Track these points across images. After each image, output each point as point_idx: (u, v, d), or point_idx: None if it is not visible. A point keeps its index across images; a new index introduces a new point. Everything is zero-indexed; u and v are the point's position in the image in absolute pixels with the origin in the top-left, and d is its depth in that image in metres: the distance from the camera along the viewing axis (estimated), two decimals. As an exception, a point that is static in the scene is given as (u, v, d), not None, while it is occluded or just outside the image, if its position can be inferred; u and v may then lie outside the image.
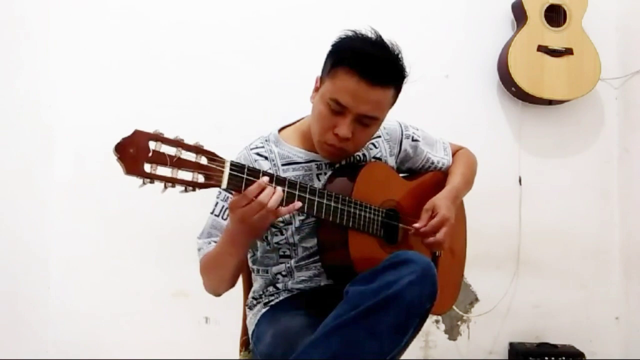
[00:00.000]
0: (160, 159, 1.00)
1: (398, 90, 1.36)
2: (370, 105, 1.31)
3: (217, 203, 1.43)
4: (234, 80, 2.45)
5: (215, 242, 1.39)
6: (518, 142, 2.56)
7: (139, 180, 0.98)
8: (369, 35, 1.32)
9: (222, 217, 1.41)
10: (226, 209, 1.39)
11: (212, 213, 1.43)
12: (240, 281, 1.65)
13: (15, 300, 2.32)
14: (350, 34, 1.34)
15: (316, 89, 1.39)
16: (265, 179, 1.15)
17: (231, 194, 1.38)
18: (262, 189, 1.15)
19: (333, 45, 1.35)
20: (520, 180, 2.55)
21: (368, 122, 1.34)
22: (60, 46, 2.41)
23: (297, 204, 1.21)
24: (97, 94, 2.41)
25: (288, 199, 1.20)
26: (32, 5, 2.39)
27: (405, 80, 1.36)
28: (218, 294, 1.44)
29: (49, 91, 2.40)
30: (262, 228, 1.23)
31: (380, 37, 1.33)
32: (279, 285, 1.48)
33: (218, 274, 1.38)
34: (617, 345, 2.56)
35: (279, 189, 1.17)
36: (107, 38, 2.43)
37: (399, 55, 1.33)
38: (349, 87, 1.27)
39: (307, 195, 1.22)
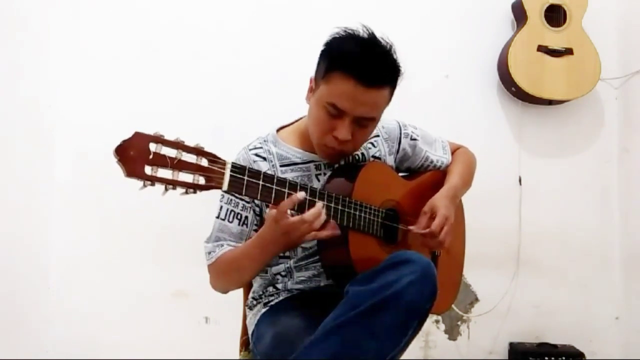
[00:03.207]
0: (160, 161, 1.00)
1: (393, 87, 1.35)
2: (368, 107, 1.31)
3: (221, 207, 1.43)
4: (233, 80, 2.45)
5: (229, 245, 1.40)
6: (518, 142, 2.56)
7: (140, 182, 0.98)
8: (361, 33, 1.31)
9: (228, 221, 1.41)
10: (230, 211, 1.41)
11: (217, 217, 1.43)
12: (240, 281, 1.66)
13: (15, 300, 2.32)
14: (342, 33, 1.33)
15: (310, 89, 1.38)
16: (320, 204, 1.21)
17: (234, 196, 1.40)
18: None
19: (325, 46, 1.34)
20: (520, 180, 2.55)
21: (366, 123, 1.34)
22: (60, 46, 2.41)
23: (337, 232, 1.25)
24: (97, 94, 2.42)
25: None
26: (32, 5, 2.39)
27: (401, 77, 1.35)
28: (226, 292, 1.47)
29: (49, 91, 2.40)
30: (298, 243, 1.28)
31: (372, 34, 1.32)
32: (279, 286, 1.48)
33: (237, 276, 1.41)
34: (617, 345, 2.56)
35: (322, 211, 1.21)
36: (107, 38, 2.43)
37: (393, 53, 1.32)
38: (346, 91, 1.27)
39: (308, 197, 1.22)
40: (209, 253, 1.42)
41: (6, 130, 2.32)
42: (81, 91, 2.42)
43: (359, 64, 1.26)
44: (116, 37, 2.43)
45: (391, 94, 1.36)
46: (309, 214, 1.19)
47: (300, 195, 1.19)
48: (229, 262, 1.39)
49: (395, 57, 1.32)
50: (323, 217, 1.21)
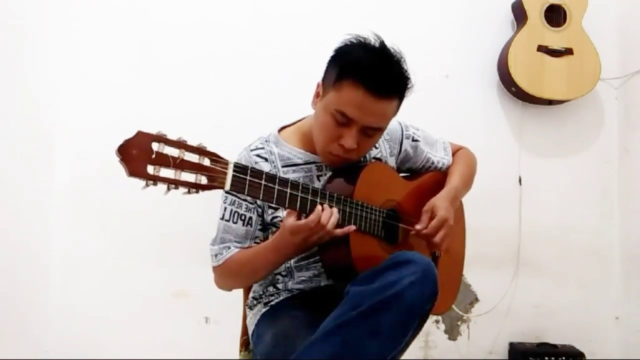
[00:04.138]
0: (163, 160, 1.00)
1: (402, 98, 1.36)
2: (377, 117, 1.31)
3: (225, 208, 1.43)
4: (234, 81, 2.45)
5: (235, 247, 1.41)
6: (518, 142, 2.56)
7: (141, 182, 0.98)
8: (372, 42, 1.31)
9: (233, 222, 1.41)
10: (234, 212, 1.41)
11: (222, 219, 1.43)
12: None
13: (15, 300, 2.31)
14: (353, 41, 1.33)
15: (317, 95, 1.38)
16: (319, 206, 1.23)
17: (237, 197, 1.40)
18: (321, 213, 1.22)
19: (336, 53, 1.34)
20: (520, 180, 2.55)
21: (372, 132, 1.34)
22: (60, 46, 2.40)
23: (352, 227, 1.26)
24: (97, 94, 2.41)
25: (290, 200, 1.20)
26: (31, 5, 2.38)
27: (410, 88, 1.35)
28: (230, 290, 1.50)
29: (49, 91, 2.39)
30: (313, 246, 1.29)
31: (383, 43, 1.32)
32: (279, 285, 1.48)
33: (248, 277, 1.44)
34: (617, 345, 2.56)
35: (335, 210, 1.24)
36: (107, 38, 2.43)
37: (403, 64, 1.32)
38: (356, 100, 1.27)
39: (309, 197, 1.22)
40: (216, 255, 1.42)
41: (6, 130, 2.31)
42: (81, 91, 2.41)
43: (371, 73, 1.26)
44: (116, 38, 2.43)
45: (399, 104, 1.36)
46: (324, 216, 1.21)
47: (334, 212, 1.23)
48: (240, 264, 1.39)
49: (405, 68, 1.33)
50: (336, 216, 1.23)
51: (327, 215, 1.22)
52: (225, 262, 1.40)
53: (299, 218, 1.23)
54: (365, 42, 1.31)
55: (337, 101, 1.29)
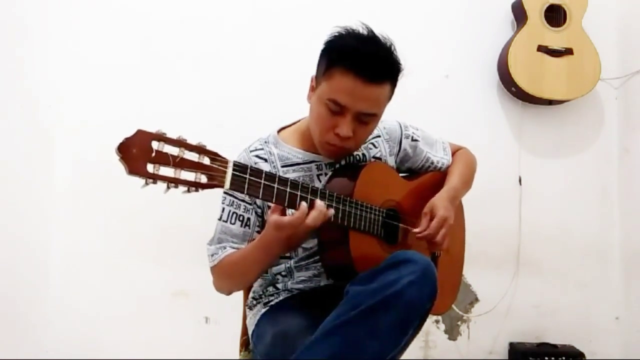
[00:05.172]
0: (163, 159, 0.99)
1: (394, 84, 1.36)
2: (369, 102, 1.31)
3: (223, 209, 1.43)
4: (234, 80, 2.45)
5: (231, 247, 1.40)
6: (518, 142, 2.56)
7: (141, 181, 0.98)
8: (360, 31, 1.32)
9: (231, 222, 1.41)
10: (232, 213, 1.41)
11: (220, 219, 1.43)
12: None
13: (15, 300, 2.32)
14: (341, 31, 1.33)
15: (312, 89, 1.39)
16: (321, 203, 1.21)
17: (236, 198, 1.40)
18: (311, 210, 1.20)
19: (326, 45, 1.35)
20: (520, 180, 2.55)
21: (367, 119, 1.34)
22: (60, 46, 2.41)
23: (331, 211, 1.24)
24: (97, 94, 2.42)
25: (290, 199, 1.19)
26: (31, 5, 2.39)
27: (401, 73, 1.35)
28: (229, 294, 1.48)
29: (49, 91, 2.40)
30: (302, 243, 1.31)
31: (372, 31, 1.33)
32: (279, 285, 1.48)
33: (241, 278, 1.42)
34: (617, 345, 2.56)
35: (331, 211, 1.22)
36: (107, 37, 2.43)
37: (392, 50, 1.33)
38: (346, 86, 1.27)
39: (309, 196, 1.22)
40: (212, 255, 1.41)
41: (6, 130, 2.31)
42: (81, 91, 2.41)
43: (359, 59, 1.26)
44: (116, 37, 2.43)
45: (392, 90, 1.36)
46: (311, 217, 1.19)
47: (328, 210, 1.22)
48: (232, 265, 1.38)
49: (395, 53, 1.33)
50: (330, 213, 1.22)
51: (316, 215, 1.19)
52: (220, 262, 1.40)
53: (283, 213, 1.22)
54: (353, 31, 1.32)
55: (329, 90, 1.30)
